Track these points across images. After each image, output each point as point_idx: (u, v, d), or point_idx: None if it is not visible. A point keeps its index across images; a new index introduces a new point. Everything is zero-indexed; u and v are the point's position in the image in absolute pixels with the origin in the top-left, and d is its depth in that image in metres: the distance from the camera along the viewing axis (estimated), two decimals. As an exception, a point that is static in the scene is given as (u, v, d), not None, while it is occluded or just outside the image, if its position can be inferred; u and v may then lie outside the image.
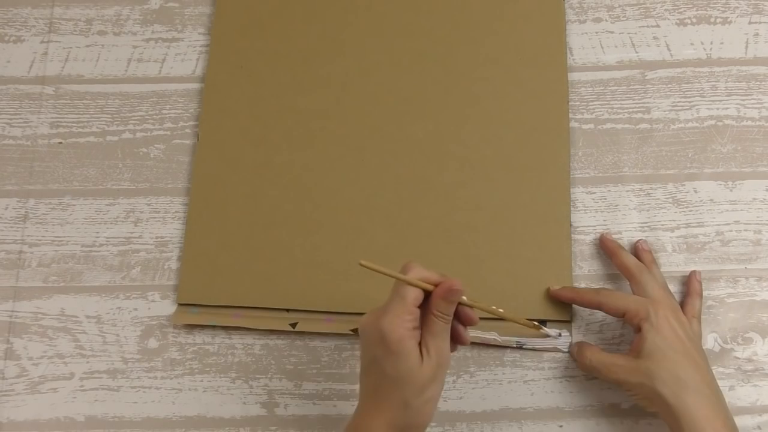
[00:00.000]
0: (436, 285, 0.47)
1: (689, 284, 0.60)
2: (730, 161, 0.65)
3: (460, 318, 0.50)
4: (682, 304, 0.59)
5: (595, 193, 0.64)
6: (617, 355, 0.55)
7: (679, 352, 0.52)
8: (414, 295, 0.47)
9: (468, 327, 0.51)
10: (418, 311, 0.47)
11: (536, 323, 0.59)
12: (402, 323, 0.46)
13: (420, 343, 0.47)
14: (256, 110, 0.66)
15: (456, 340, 0.50)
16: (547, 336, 0.60)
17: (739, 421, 0.56)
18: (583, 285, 0.62)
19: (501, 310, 0.54)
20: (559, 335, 0.60)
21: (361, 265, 0.46)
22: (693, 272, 0.61)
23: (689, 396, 0.51)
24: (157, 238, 0.65)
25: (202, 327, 0.62)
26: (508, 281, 0.61)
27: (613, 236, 0.63)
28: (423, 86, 0.66)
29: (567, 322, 0.61)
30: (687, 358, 0.52)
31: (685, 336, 0.54)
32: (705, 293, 0.60)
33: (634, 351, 0.54)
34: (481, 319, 0.51)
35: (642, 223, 0.63)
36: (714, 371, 0.54)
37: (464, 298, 0.49)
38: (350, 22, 0.69)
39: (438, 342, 0.47)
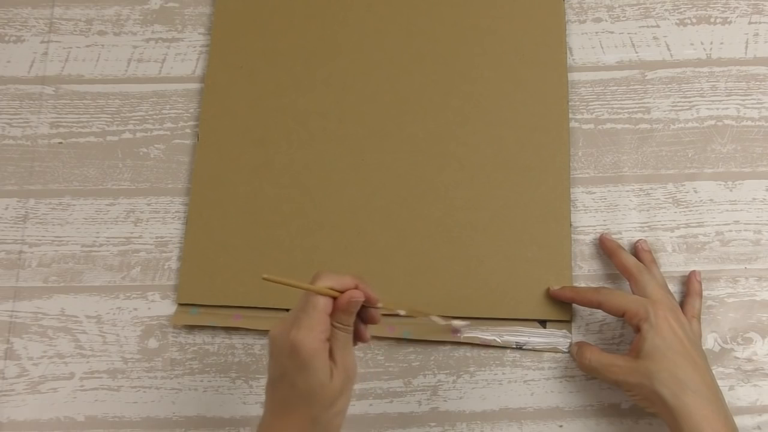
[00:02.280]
0: (343, 292, 0.45)
1: (689, 284, 0.60)
2: (730, 161, 0.65)
3: (362, 317, 0.48)
4: (682, 304, 0.59)
5: (595, 193, 0.64)
6: (617, 356, 0.55)
7: (679, 353, 0.52)
8: (324, 304, 0.45)
9: (369, 324, 0.49)
10: (329, 321, 0.45)
11: (448, 317, 0.58)
12: (315, 335, 0.44)
13: (329, 356, 0.45)
14: (256, 110, 0.66)
15: (357, 337, 0.49)
16: (453, 328, 0.60)
17: (739, 421, 0.56)
18: (583, 285, 0.62)
19: (403, 313, 0.53)
20: (464, 325, 0.59)
21: (264, 279, 0.43)
22: (693, 272, 0.61)
23: (688, 396, 0.51)
24: (157, 238, 0.65)
25: (202, 327, 0.62)
26: (508, 281, 0.61)
27: (613, 236, 0.63)
28: (423, 86, 0.66)
29: (567, 322, 0.61)
30: (686, 359, 0.52)
31: (685, 336, 0.53)
32: (705, 293, 0.60)
33: (633, 351, 0.54)
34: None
35: (642, 223, 0.63)
36: (714, 371, 0.54)
37: (380, 304, 0.48)
38: (350, 22, 0.69)
39: (345, 353, 0.46)
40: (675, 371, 0.52)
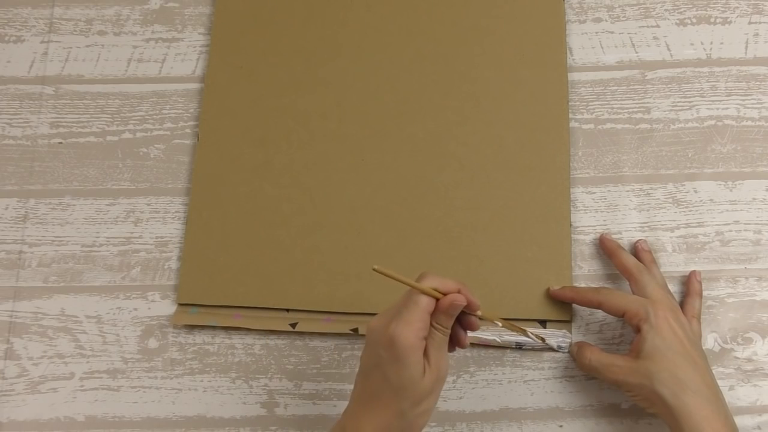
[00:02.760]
0: (446, 294, 0.47)
1: (689, 284, 0.60)
2: (730, 161, 0.65)
3: (461, 322, 0.50)
4: (682, 304, 0.59)
5: (595, 193, 0.64)
6: (617, 356, 0.55)
7: (679, 353, 0.52)
8: (427, 303, 0.46)
9: (468, 331, 0.51)
10: (428, 320, 0.46)
11: (539, 334, 0.59)
12: (414, 331, 0.45)
13: (423, 355, 0.46)
14: (256, 110, 0.66)
15: (456, 342, 0.50)
16: (549, 346, 0.60)
17: (739, 421, 0.56)
18: (583, 285, 0.62)
19: (500, 324, 0.53)
20: (559, 347, 0.60)
21: (375, 270, 0.45)
22: (693, 272, 0.61)
23: (689, 396, 0.51)
24: (157, 238, 0.65)
25: (202, 327, 0.62)
26: (508, 281, 0.61)
27: (613, 236, 0.63)
28: (423, 86, 0.66)
29: (567, 322, 0.61)
30: (686, 359, 0.52)
31: (685, 336, 0.54)
32: (705, 293, 0.60)
33: (633, 352, 0.54)
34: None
35: (642, 223, 0.63)
36: (714, 371, 0.54)
37: (480, 312, 0.49)
38: (350, 22, 0.69)
39: (439, 354, 0.47)
40: (675, 371, 0.52)
